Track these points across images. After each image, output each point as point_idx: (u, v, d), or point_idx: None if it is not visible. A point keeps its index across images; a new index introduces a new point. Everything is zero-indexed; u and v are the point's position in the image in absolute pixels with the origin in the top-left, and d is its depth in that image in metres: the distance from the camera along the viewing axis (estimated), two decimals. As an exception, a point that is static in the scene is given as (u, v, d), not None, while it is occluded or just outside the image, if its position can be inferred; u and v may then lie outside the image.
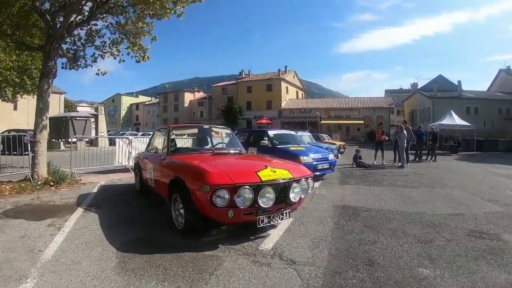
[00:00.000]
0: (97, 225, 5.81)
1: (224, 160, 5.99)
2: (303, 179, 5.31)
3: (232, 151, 6.88)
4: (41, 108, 10.70)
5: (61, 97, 68.57)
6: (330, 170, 11.75)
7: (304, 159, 10.75)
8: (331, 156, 11.96)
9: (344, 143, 28.14)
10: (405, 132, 16.53)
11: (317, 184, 10.43)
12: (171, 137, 7.29)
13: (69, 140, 25.88)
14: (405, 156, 16.25)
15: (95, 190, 9.44)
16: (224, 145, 7.69)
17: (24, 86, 20.38)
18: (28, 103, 55.61)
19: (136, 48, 11.77)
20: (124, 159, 13.72)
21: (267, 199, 4.69)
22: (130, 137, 15.14)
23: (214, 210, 4.50)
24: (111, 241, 4.90)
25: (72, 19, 10.66)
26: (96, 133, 30.58)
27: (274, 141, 12.54)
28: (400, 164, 16.24)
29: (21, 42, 11.64)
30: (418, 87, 56.73)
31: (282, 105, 65.52)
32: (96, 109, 38.38)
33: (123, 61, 12.41)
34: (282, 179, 4.93)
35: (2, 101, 21.99)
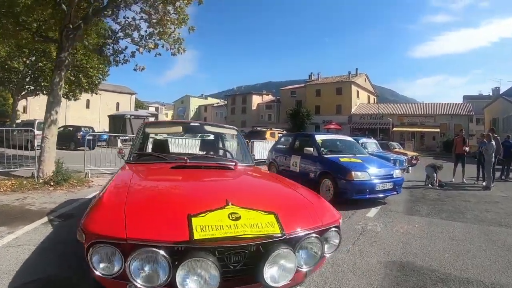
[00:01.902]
0: (33, 245, 4.73)
1: (170, 183, 3.52)
2: (314, 235, 2.59)
3: (218, 162, 4.48)
4: (51, 103, 10.15)
5: (132, 97, 73.27)
6: (394, 192, 8.87)
7: (358, 175, 8.17)
8: (396, 173, 9.04)
9: (417, 154, 24.34)
10: (493, 142, 12.80)
11: (372, 211, 7.87)
12: (146, 137, 5.45)
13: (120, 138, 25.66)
14: (491, 174, 12.73)
15: (91, 195, 8.08)
16: (221, 152, 5.70)
17: (81, 84, 22.25)
18: (100, 99, 60.14)
19: (167, 37, 11.16)
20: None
21: (197, 281, 2.13)
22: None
23: (102, 280, 2.21)
24: (16, 276, 3.74)
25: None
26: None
27: (322, 148, 9.96)
28: (485, 184, 12.76)
29: (39, 34, 11.26)
30: (501, 92, 49.72)
31: (352, 110, 62.06)
32: (156, 109, 38.70)
33: (159, 54, 11.84)
34: (252, 236, 2.30)
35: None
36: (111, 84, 67.34)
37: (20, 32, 11.05)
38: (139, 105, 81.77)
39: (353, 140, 11.52)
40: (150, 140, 5.96)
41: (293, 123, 59.37)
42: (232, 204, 2.52)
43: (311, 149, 9.93)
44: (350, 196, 8.18)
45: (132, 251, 2.06)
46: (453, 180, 14.11)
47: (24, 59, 22.23)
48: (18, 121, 28.56)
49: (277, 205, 2.79)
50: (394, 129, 53.06)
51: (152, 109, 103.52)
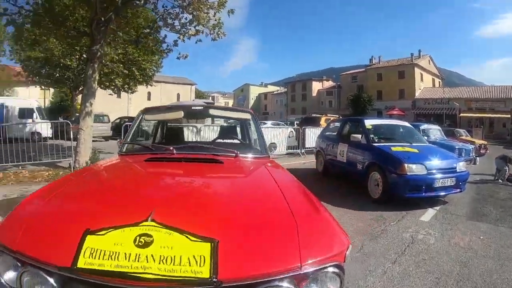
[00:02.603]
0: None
1: (112, 182, 2.85)
2: (284, 283, 1.53)
3: (211, 153, 3.42)
4: (85, 95, 10.46)
5: (192, 87, 75.33)
6: (457, 190, 7.41)
7: (412, 168, 6.89)
8: (460, 166, 7.53)
9: (485, 142, 21.77)
10: None
11: (428, 214, 6.63)
12: (141, 124, 4.50)
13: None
14: None
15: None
16: (237, 139, 4.54)
17: (135, 77, 23.17)
18: (160, 91, 61.70)
19: (204, 22, 10.89)
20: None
21: None
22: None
23: None
24: None
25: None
26: (212, 121, 29.58)
27: (372, 135, 8.70)
28: None
29: (75, 29, 11.63)
30: None
31: (416, 94, 58.69)
32: (211, 98, 38.51)
33: (200, 41, 11.85)
34: (156, 278, 1.42)
35: (112, 90, 25.26)
36: (171, 76, 70.35)
37: (59, 29, 11.41)
38: (199, 95, 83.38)
39: (410, 126, 10.02)
40: (165, 127, 5.33)
41: (354, 109, 56.93)
42: (152, 220, 1.67)
43: (359, 136, 8.68)
44: (402, 193, 6.93)
45: (24, 265, 1.63)
46: None
47: (77, 56, 22.87)
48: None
49: (234, 224, 1.80)
50: (461, 114, 49.43)
51: (213, 99, 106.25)
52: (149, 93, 60.84)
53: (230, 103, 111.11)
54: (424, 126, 15.25)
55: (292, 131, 19.66)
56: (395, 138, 8.97)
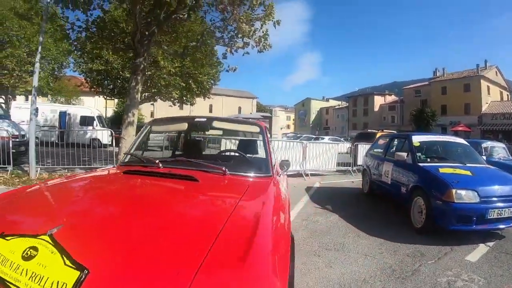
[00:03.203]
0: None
1: (65, 192, 2.75)
2: None
3: (198, 169, 3.16)
4: (127, 105, 10.89)
5: (253, 101, 77.72)
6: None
7: (461, 195, 5.77)
8: None
9: (560, 165, 19.54)
10: None
11: (477, 252, 5.49)
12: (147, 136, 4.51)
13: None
14: None
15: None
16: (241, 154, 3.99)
17: (191, 89, 23.43)
18: (222, 103, 63.19)
19: (247, 33, 10.94)
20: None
21: None
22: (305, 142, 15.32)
23: None
24: None
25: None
26: (270, 135, 29.46)
27: (419, 154, 7.64)
28: None
29: (122, 42, 12.35)
30: None
31: (483, 108, 54.75)
32: (271, 112, 38.40)
33: (247, 53, 11.89)
34: None
35: (172, 102, 25.69)
36: (233, 89, 73.53)
37: (108, 43, 12.37)
38: (260, 108, 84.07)
39: (466, 144, 8.69)
40: (186, 139, 5.24)
41: (417, 125, 54.55)
42: (50, 235, 1.61)
43: (404, 154, 7.64)
44: (448, 225, 5.82)
45: None
46: None
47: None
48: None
49: (127, 256, 1.51)
50: (535, 132, 45.33)
51: (277, 113, 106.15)
52: (210, 106, 64.15)
53: (292, 117, 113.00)
54: (487, 143, 13.60)
55: (350, 147, 18.56)
56: (447, 158, 7.81)
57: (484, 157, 12.15)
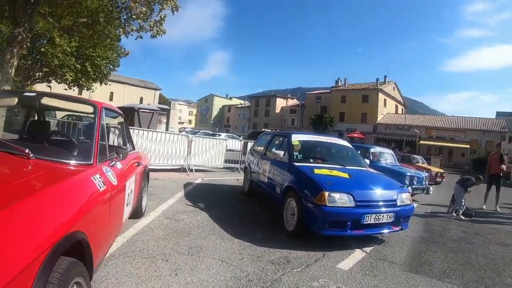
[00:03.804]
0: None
1: None
2: None
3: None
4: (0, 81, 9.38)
5: (156, 92, 76.31)
6: (397, 228, 5.60)
7: (334, 198, 5.10)
8: (403, 198, 5.77)
9: (442, 171, 20.63)
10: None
11: (352, 259, 4.90)
12: None
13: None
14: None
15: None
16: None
17: (87, 73, 22.38)
18: (124, 92, 60.64)
19: (145, 17, 10.56)
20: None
21: None
22: (190, 135, 13.98)
23: None
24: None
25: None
26: (167, 128, 29.12)
27: (296, 153, 6.89)
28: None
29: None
30: (538, 110, 45.66)
31: (378, 119, 58.27)
32: (163, 103, 37.20)
33: (140, 37, 11.27)
34: None
35: (67, 86, 24.13)
36: (136, 78, 72.22)
37: None
38: (163, 101, 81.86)
39: (350, 146, 8.23)
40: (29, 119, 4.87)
41: (315, 129, 55.72)
42: None
43: (281, 152, 6.92)
44: (320, 229, 5.10)
45: None
46: (484, 207, 11.00)
47: (28, 44, 20.85)
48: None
49: None
50: (421, 142, 49.69)
51: (177, 106, 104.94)
52: (111, 93, 61.76)
53: (194, 112, 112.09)
54: (375, 149, 13.57)
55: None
56: (327, 159, 7.23)
57: (368, 161, 12.11)
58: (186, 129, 46.74)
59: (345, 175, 5.89)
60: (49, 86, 41.60)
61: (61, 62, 20.38)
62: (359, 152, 13.39)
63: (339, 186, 5.30)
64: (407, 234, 6.41)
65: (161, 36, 11.22)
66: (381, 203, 5.36)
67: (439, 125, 53.56)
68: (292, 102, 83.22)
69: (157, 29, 10.87)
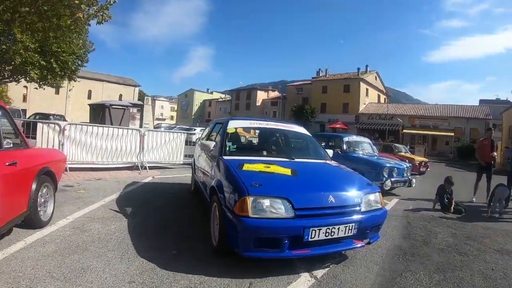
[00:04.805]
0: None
1: None
2: None
3: None
4: None
5: (135, 89, 74.04)
6: (361, 243, 3.94)
7: (261, 204, 3.50)
8: (370, 201, 4.12)
9: (426, 160, 19.27)
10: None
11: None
12: None
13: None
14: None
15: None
16: None
17: (53, 70, 21.28)
18: (103, 89, 60.14)
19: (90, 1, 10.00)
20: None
21: None
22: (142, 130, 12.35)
23: None
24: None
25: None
26: (141, 124, 26.45)
27: (229, 144, 5.33)
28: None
29: None
30: (521, 96, 45.00)
31: (360, 109, 56.52)
32: (143, 100, 35.70)
33: (89, 25, 11.75)
34: None
35: (37, 84, 22.97)
36: (115, 75, 71.26)
37: None
38: (142, 97, 79.97)
39: (306, 133, 6.44)
40: None
41: (297, 120, 54.17)
42: None
43: (212, 143, 5.47)
44: (242, 250, 3.50)
45: None
46: (474, 199, 9.59)
47: None
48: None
49: None
50: (404, 131, 48.20)
51: (159, 103, 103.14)
52: (90, 91, 61.22)
53: (175, 108, 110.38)
54: (350, 137, 11.95)
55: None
56: (269, 150, 5.73)
57: (341, 152, 10.49)
58: (162, 125, 45.12)
59: (286, 171, 4.26)
60: (26, 87, 40.24)
61: (23, 59, 19.24)
62: (331, 142, 11.95)
63: (271, 188, 3.67)
64: (380, 244, 4.83)
65: (106, 21, 10.58)
66: (336, 210, 3.74)
67: (422, 113, 52.03)
68: (274, 94, 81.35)
69: (103, 14, 10.21)
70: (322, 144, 11.95)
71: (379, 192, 4.32)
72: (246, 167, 4.23)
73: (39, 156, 5.01)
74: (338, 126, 52.70)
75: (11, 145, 4.14)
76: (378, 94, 64.75)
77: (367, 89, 59.70)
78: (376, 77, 64.89)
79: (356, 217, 3.78)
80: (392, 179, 9.29)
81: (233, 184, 3.79)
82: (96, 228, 4.91)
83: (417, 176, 13.75)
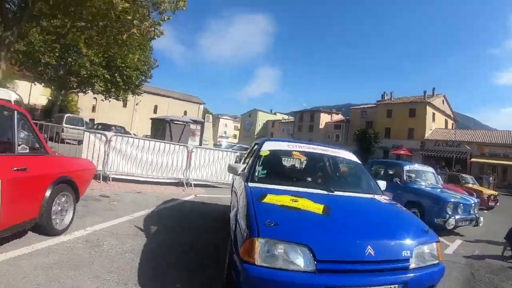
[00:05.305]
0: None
1: None
2: None
3: None
4: None
5: (200, 107, 77.59)
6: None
7: (273, 250, 2.69)
8: (423, 253, 3.10)
9: (496, 193, 17.11)
10: None
11: None
12: None
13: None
14: None
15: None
16: None
17: (117, 83, 22.92)
18: (168, 105, 62.61)
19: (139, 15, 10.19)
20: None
21: None
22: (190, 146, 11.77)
23: None
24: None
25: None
26: (200, 141, 27.96)
27: (259, 168, 4.63)
28: None
29: None
30: None
31: (426, 134, 53.09)
32: (204, 117, 36.19)
33: (149, 40, 13.03)
34: None
35: (103, 96, 25.05)
36: (180, 92, 75.41)
37: None
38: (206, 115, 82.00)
39: (354, 160, 5.35)
40: None
41: (360, 145, 52.32)
42: None
43: (240, 166, 4.97)
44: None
45: None
46: None
47: (57, 54, 21.86)
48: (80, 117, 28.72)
49: None
50: (472, 159, 44.13)
51: (223, 121, 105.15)
52: (155, 106, 64.43)
53: (239, 126, 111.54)
54: (412, 166, 10.59)
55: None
56: (303, 179, 4.86)
57: (400, 183, 9.40)
58: (222, 143, 45.40)
59: (317, 208, 3.35)
60: (95, 98, 42.71)
61: (89, 72, 20.81)
62: (390, 170, 10.73)
63: (289, 230, 2.82)
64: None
65: (159, 37, 11.15)
66: (374, 266, 2.80)
67: (492, 140, 47.63)
68: (337, 117, 79.20)
69: (154, 29, 10.61)
70: (381, 172, 10.89)
71: (436, 242, 3.28)
72: (269, 198, 3.44)
73: (58, 164, 4.83)
74: (402, 152, 49.50)
75: (27, 150, 4.04)
76: (445, 119, 60.53)
77: (433, 114, 56.11)
78: (443, 101, 60.84)
79: (401, 275, 2.82)
80: (457, 217, 8.00)
81: (245, 219, 3.03)
82: (109, 244, 4.57)
83: (485, 211, 12.23)
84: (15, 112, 4.03)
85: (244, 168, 4.68)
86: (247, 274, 2.55)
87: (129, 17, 9.84)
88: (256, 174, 4.39)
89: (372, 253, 2.76)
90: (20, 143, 3.98)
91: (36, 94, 39.67)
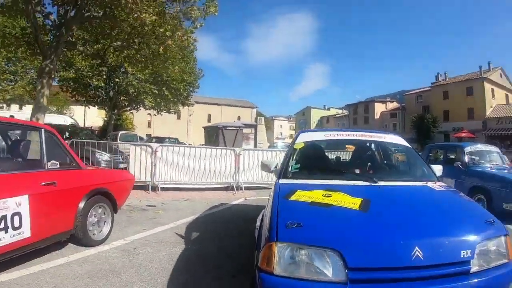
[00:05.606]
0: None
1: None
2: None
3: None
4: (33, 110, 9.74)
5: (253, 110, 77.70)
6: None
7: (293, 256, 2.21)
8: (489, 250, 2.44)
9: None
10: None
11: None
12: None
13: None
14: None
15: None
16: None
17: (166, 97, 23.49)
18: (221, 113, 64.12)
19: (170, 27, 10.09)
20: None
21: None
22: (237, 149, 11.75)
23: None
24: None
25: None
26: (255, 144, 28.69)
27: (293, 162, 4.21)
28: None
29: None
30: None
31: (487, 113, 49.15)
32: (256, 120, 36.42)
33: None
34: None
35: (155, 111, 26.30)
36: (232, 99, 76.80)
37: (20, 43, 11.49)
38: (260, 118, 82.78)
39: (404, 144, 4.59)
40: None
41: (418, 132, 50.26)
42: None
43: (272, 163, 4.51)
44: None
45: None
46: None
47: (104, 77, 23.04)
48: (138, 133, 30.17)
49: None
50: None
51: (278, 122, 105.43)
52: (209, 115, 65.34)
53: (294, 126, 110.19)
54: (474, 146, 9.50)
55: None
56: (346, 170, 4.35)
57: (439, 169, 8.61)
58: (278, 144, 45.29)
59: (353, 203, 2.76)
60: (149, 114, 44.29)
61: (137, 90, 21.50)
62: (450, 153, 9.75)
63: (314, 231, 2.34)
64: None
65: (192, 45, 11.87)
66: (424, 272, 2.19)
67: None
68: (392, 105, 75.64)
69: (187, 38, 10.57)
70: (440, 157, 10.00)
71: (505, 236, 2.55)
72: (297, 195, 2.94)
73: (90, 177, 4.92)
74: (463, 135, 45.91)
75: (57, 166, 4.13)
76: (505, 94, 55.22)
77: (492, 90, 51.83)
78: (501, 74, 55.90)
79: (461, 284, 2.22)
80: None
81: (267, 221, 2.62)
82: (145, 253, 4.55)
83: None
84: (43, 130, 4.15)
85: (277, 164, 4.25)
86: (263, 285, 2.16)
87: (161, 30, 9.91)
88: (289, 169, 3.94)
89: (421, 256, 2.18)
90: (49, 159, 4.07)
91: (92, 116, 42.75)
